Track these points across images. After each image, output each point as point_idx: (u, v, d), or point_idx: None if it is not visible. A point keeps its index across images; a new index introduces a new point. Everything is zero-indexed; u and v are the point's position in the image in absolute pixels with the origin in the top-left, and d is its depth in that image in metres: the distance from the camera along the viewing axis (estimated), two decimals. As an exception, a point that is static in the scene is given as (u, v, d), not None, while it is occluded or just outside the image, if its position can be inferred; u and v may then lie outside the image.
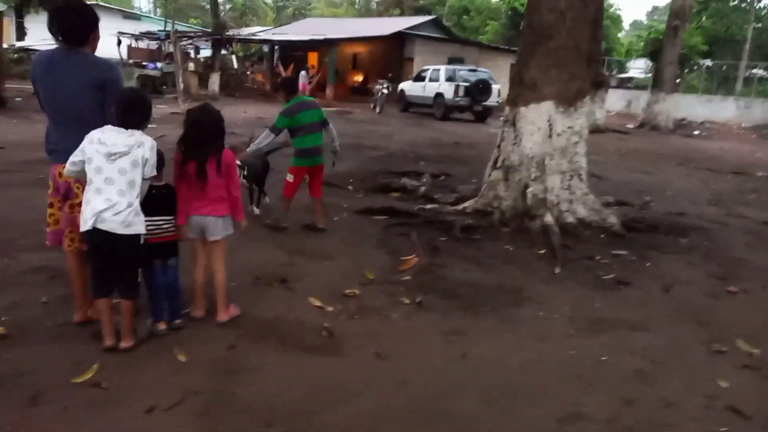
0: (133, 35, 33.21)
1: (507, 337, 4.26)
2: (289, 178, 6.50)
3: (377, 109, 24.69)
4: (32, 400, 3.13)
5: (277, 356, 3.79)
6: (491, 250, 6.32)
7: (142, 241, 3.66)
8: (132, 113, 3.62)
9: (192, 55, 34.72)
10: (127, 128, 3.57)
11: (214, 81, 27.37)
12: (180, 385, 3.34)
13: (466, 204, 7.61)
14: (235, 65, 35.91)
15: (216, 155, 4.01)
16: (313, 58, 35.48)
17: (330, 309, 4.52)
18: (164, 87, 25.89)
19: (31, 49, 27.39)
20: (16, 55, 26.76)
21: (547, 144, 7.10)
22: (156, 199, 3.82)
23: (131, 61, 29.09)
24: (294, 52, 33.92)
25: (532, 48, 7.24)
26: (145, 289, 3.93)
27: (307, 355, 3.84)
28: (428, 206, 7.76)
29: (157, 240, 3.90)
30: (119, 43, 29.41)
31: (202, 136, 4.03)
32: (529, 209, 6.99)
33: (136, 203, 3.58)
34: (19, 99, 18.46)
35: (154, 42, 33.74)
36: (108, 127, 3.59)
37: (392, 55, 33.43)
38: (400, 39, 32.81)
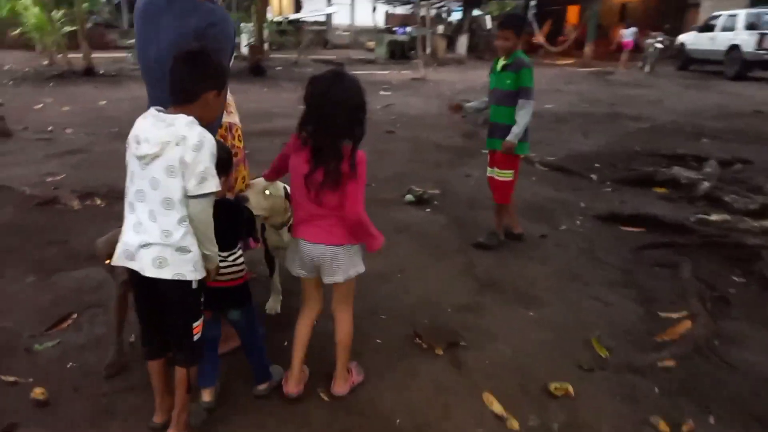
0: (388, 1, 33.63)
1: None
2: (507, 175, 4.44)
3: (646, 68, 20.61)
4: None
5: None
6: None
7: (194, 286, 2.28)
8: (181, 79, 2.22)
9: (444, 17, 33.92)
10: (179, 103, 2.20)
11: (462, 43, 26.10)
12: None
13: (783, 218, 4.76)
14: (489, 26, 34.13)
15: (344, 150, 2.46)
16: (572, 13, 31.74)
17: (515, 427, 2.61)
18: (412, 52, 25.46)
19: (300, 21, 29.46)
20: (287, 27, 28.91)
21: None
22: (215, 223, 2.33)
23: (384, 27, 29.36)
24: (552, 6, 30.67)
25: None
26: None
27: None
28: (713, 216, 5.08)
29: (217, 285, 2.50)
30: (374, 10, 29.89)
31: (330, 120, 2.44)
32: None
33: (178, 233, 2.18)
34: (279, 68, 19.57)
35: (409, 7, 33.74)
36: (151, 110, 2.22)
37: (669, 3, 28.05)
38: (682, -18, 27.19)
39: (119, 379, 2.85)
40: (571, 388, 2.83)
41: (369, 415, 2.66)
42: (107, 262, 2.55)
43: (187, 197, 2.16)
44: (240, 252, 2.60)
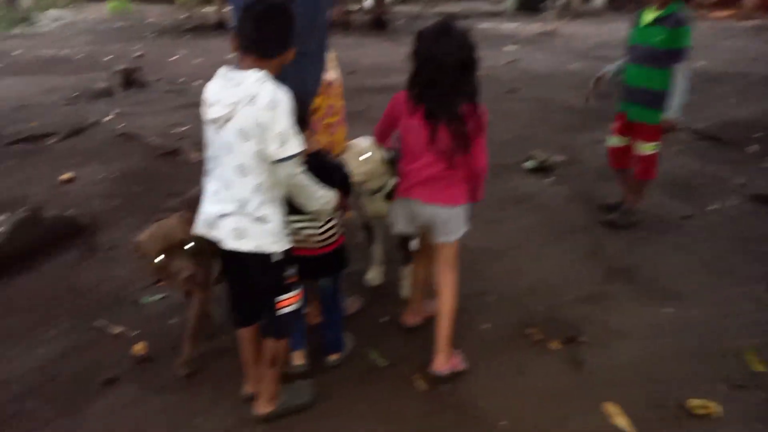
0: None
1: None
2: (652, 148, 3.80)
3: (823, 22, 17.63)
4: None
5: None
6: None
7: (273, 260, 2.11)
8: (260, 32, 1.97)
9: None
10: (253, 56, 1.97)
11: (600, -7, 23.89)
12: None
13: None
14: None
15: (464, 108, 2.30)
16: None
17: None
18: (544, 2, 23.82)
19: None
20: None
21: None
22: None
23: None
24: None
25: None
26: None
27: None
28: None
29: (304, 252, 2.34)
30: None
31: (438, 78, 2.25)
32: None
33: (254, 202, 2.01)
34: (402, 22, 19.14)
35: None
36: (221, 70, 2.02)
37: None
38: None
39: (214, 340, 2.80)
40: (716, 408, 2.36)
41: (468, 412, 2.38)
42: (158, 259, 2.31)
43: (274, 162, 1.97)
44: (330, 218, 2.40)
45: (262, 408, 2.31)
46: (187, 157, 5.46)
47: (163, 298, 3.17)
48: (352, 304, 3.00)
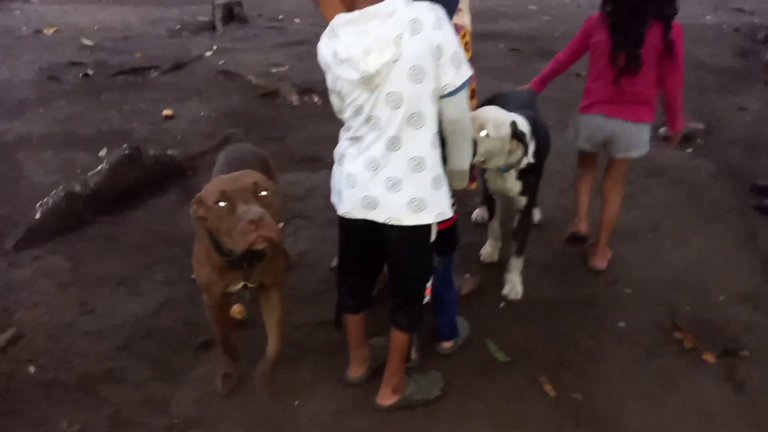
0: None
1: None
2: None
3: None
4: None
5: None
6: None
7: (433, 237, 1.79)
8: None
9: None
10: None
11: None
12: None
13: None
14: None
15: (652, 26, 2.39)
16: None
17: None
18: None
19: None
20: None
21: None
22: None
23: None
24: None
25: None
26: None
27: None
28: None
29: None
30: None
31: None
32: None
33: (432, 158, 1.69)
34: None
35: None
36: (339, 19, 1.64)
37: None
38: None
39: (314, 311, 2.56)
40: None
41: (608, 429, 2.02)
42: (221, 203, 1.62)
43: (444, 97, 1.64)
44: None
45: (385, 399, 2.05)
46: (288, 100, 5.22)
47: (261, 254, 2.97)
48: (466, 284, 2.66)
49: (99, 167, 3.47)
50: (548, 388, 2.16)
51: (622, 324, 2.51)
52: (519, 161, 2.35)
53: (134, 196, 3.46)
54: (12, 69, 5.99)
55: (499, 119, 2.24)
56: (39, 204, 3.15)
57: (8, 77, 5.75)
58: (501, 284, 2.69)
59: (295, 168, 3.92)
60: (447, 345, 2.32)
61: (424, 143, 1.66)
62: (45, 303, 2.60)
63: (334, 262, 2.79)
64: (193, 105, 5.15)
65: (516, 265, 2.65)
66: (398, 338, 1.93)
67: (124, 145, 3.67)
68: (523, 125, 2.31)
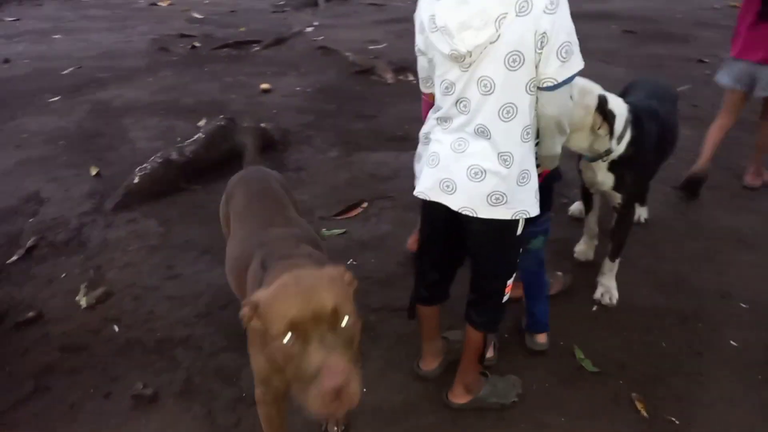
0: None
1: None
2: None
3: None
4: None
5: None
6: None
7: (519, 231, 1.64)
8: None
9: None
10: None
11: None
12: None
13: None
14: None
15: None
16: None
17: None
18: None
19: None
20: None
21: None
22: None
23: None
24: None
25: None
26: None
27: None
28: None
29: None
30: None
31: None
32: None
33: (520, 152, 1.52)
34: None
35: None
36: None
37: None
38: None
39: (390, 295, 2.46)
40: None
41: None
42: (286, 339, 1.11)
43: (543, 90, 1.46)
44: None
45: (457, 397, 1.93)
46: (383, 78, 5.14)
47: (344, 233, 2.92)
48: (555, 282, 2.46)
49: (195, 136, 3.57)
50: (640, 406, 1.94)
51: (733, 343, 2.22)
52: (608, 151, 2.12)
53: (226, 167, 3.52)
54: (126, 39, 6.33)
55: (587, 87, 2.03)
56: (138, 169, 3.27)
57: (123, 47, 6.08)
58: (594, 286, 2.47)
59: (383, 147, 3.83)
60: (541, 339, 2.15)
61: (514, 137, 1.49)
62: (135, 264, 2.70)
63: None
64: (290, 79, 5.20)
65: (609, 268, 2.42)
66: (473, 336, 1.80)
67: (220, 117, 3.75)
68: (618, 106, 2.07)
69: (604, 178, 2.22)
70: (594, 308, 2.40)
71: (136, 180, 3.24)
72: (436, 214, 1.69)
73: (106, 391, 2.04)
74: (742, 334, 2.26)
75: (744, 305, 2.43)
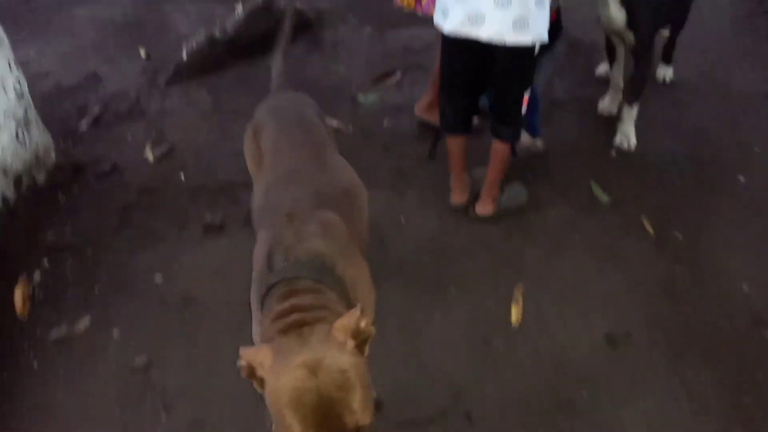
0: None
1: None
2: None
3: None
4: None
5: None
6: None
7: (536, 52, 1.87)
8: None
9: None
10: None
11: None
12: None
13: None
14: None
15: None
16: None
17: None
18: None
19: None
20: None
21: None
22: None
23: None
24: None
25: None
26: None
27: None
28: None
29: None
30: None
31: None
32: None
33: None
34: None
35: None
36: None
37: None
38: None
39: (420, 147, 2.69)
40: None
41: (705, 270, 2.03)
42: None
43: None
44: None
45: (484, 209, 2.25)
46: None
47: (379, 97, 3.12)
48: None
49: (236, 16, 3.72)
50: (648, 226, 2.18)
51: (741, 179, 2.41)
52: None
53: (266, 44, 3.69)
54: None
55: None
56: (185, 44, 3.48)
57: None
58: (613, 134, 2.65)
59: (416, 23, 3.92)
60: (540, 143, 2.51)
61: None
62: (192, 127, 2.98)
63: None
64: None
65: (629, 114, 2.56)
66: (499, 148, 2.09)
67: (258, -2, 3.87)
68: None
69: (617, 13, 2.30)
70: (613, 153, 2.59)
71: (184, 57, 3.46)
72: (457, 49, 1.89)
73: (180, 224, 2.37)
74: (752, 174, 2.44)
75: (757, 149, 2.58)
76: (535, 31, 1.75)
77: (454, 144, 2.18)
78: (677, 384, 1.71)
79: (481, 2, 1.73)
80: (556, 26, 2.08)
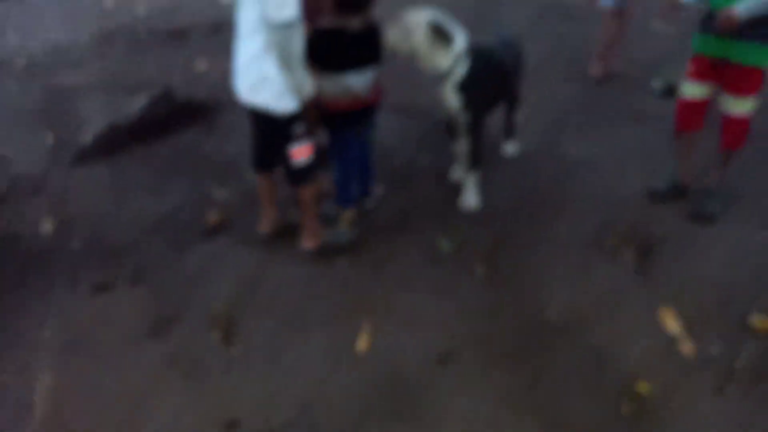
0: None
1: None
2: (746, 106, 2.74)
3: None
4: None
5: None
6: None
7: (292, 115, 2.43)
8: None
9: None
10: None
11: None
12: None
13: None
14: None
15: None
16: None
17: (688, 351, 2.19)
18: None
19: None
20: None
21: None
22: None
23: None
24: None
25: None
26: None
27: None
28: None
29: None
30: None
31: None
32: None
33: (260, 58, 2.28)
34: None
35: None
36: None
37: None
38: None
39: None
40: (776, 328, 2.24)
41: (525, 299, 2.48)
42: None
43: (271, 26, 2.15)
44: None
45: (308, 243, 2.71)
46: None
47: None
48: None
49: (138, 104, 4.11)
50: (480, 266, 2.63)
51: (554, 227, 2.92)
52: (450, 70, 2.68)
53: (167, 128, 4.09)
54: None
55: (423, 12, 2.64)
56: (90, 129, 3.83)
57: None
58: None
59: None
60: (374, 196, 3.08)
61: (252, 47, 2.33)
62: (90, 200, 3.29)
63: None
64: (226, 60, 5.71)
65: (470, 181, 3.04)
66: (301, 193, 2.60)
67: (160, 88, 4.29)
68: (459, 34, 2.66)
69: (452, 99, 2.78)
70: (460, 211, 3.07)
71: (90, 140, 3.79)
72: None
73: (70, 284, 2.62)
74: (566, 221, 2.97)
75: (576, 203, 3.13)
76: (263, 98, 2.33)
77: (259, 180, 2.75)
78: (489, 386, 2.08)
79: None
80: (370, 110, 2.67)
